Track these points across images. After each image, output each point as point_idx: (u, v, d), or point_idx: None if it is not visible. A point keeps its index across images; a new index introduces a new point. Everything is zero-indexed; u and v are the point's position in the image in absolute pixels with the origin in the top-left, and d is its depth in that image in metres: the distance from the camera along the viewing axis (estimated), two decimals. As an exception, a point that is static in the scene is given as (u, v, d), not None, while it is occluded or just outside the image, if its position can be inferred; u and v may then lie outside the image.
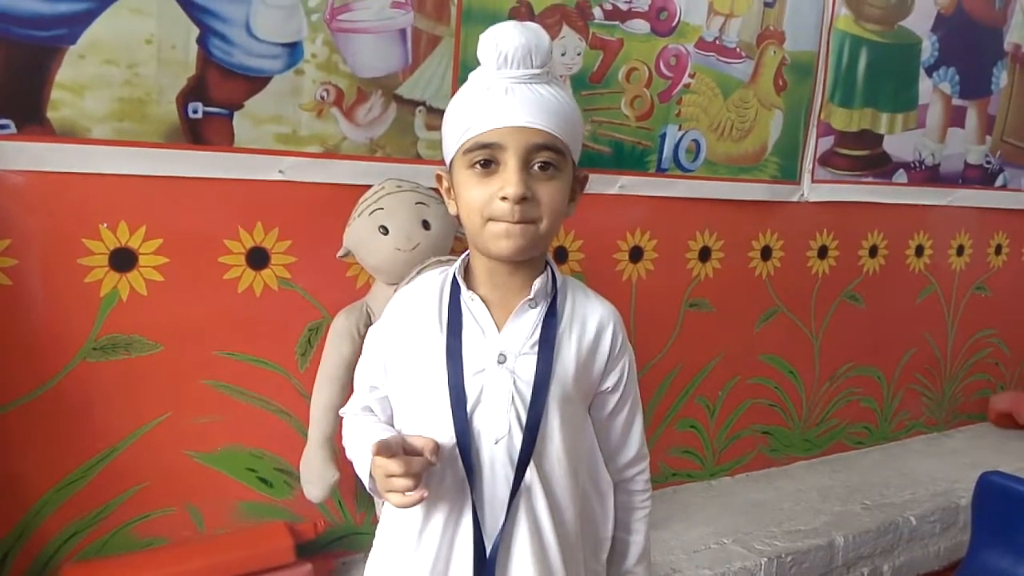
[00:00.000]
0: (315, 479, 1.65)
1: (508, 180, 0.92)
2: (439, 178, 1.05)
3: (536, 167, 0.94)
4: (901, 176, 2.70)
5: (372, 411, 1.11)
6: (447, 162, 1.02)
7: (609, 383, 1.08)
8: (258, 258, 1.69)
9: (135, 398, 1.62)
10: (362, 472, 1.03)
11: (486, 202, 0.93)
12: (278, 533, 1.70)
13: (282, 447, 1.76)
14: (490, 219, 0.94)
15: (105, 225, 1.54)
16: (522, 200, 0.92)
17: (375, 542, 1.11)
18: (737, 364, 2.49)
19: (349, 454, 1.11)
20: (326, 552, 1.81)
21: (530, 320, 1.01)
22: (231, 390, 1.71)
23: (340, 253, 1.66)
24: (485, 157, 0.93)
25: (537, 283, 1.00)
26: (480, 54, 0.95)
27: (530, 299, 1.00)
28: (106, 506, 1.62)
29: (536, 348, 0.99)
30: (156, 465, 1.65)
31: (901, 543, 2.34)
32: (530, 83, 0.94)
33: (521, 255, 0.96)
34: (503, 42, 0.92)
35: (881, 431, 2.93)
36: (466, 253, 1.06)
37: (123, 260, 1.56)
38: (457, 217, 1.02)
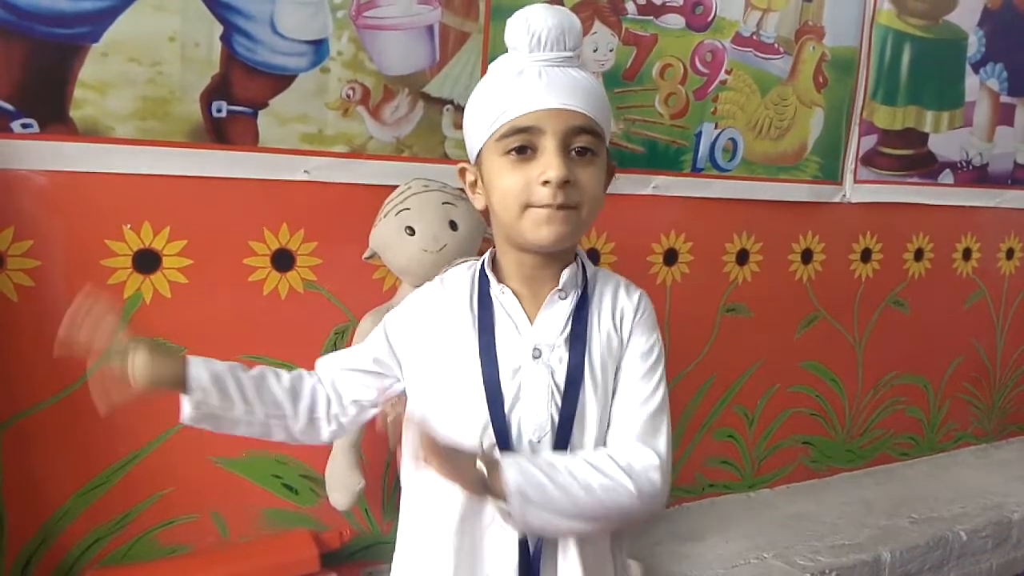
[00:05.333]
0: (340, 486, 1.61)
1: (549, 164, 0.88)
2: (462, 172, 1.00)
3: (574, 152, 0.90)
4: (948, 176, 2.61)
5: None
6: (473, 154, 0.97)
7: (627, 364, 0.98)
8: (283, 260, 1.66)
9: (159, 402, 1.56)
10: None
11: (524, 188, 0.89)
12: (303, 541, 1.66)
13: (307, 453, 1.73)
14: (529, 206, 0.89)
15: (128, 226, 1.52)
16: (564, 184, 0.88)
17: (400, 544, 1.06)
18: (777, 371, 2.41)
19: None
20: (352, 561, 1.77)
21: (561, 312, 0.97)
22: (256, 395, 1.67)
23: (366, 255, 1.62)
24: (522, 143, 0.89)
25: (566, 273, 0.96)
26: (509, 37, 0.92)
27: (559, 290, 0.96)
28: (129, 512, 1.60)
29: (568, 341, 0.95)
30: (180, 471, 1.63)
31: (951, 559, 2.23)
32: (563, 66, 0.91)
33: (562, 243, 0.92)
34: (535, 23, 0.89)
35: (928, 442, 2.82)
36: (492, 249, 1.02)
37: (147, 262, 1.54)
38: (484, 212, 0.98)
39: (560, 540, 0.94)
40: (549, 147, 0.88)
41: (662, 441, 0.95)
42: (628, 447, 0.93)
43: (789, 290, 2.39)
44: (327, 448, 1.63)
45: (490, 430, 0.93)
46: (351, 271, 1.70)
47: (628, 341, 0.99)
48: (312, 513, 1.76)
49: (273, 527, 1.73)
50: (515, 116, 0.89)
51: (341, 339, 1.72)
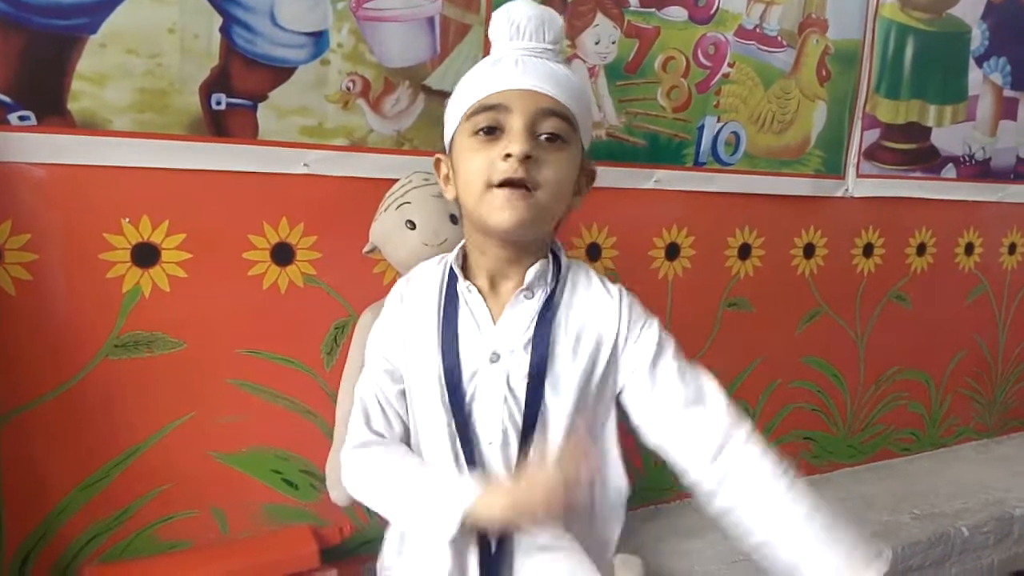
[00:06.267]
0: (341, 482, 1.60)
1: (513, 139, 0.87)
2: (437, 163, 1.00)
3: (543, 136, 0.89)
4: (950, 171, 2.59)
5: (382, 435, 1.02)
6: (447, 144, 0.97)
7: (639, 357, 0.97)
8: (283, 254, 1.65)
9: (158, 397, 1.59)
10: (416, 514, 0.92)
11: (487, 167, 0.88)
12: (303, 537, 1.65)
13: (308, 448, 1.72)
14: (490, 185, 0.88)
15: (127, 219, 1.50)
16: (526, 159, 0.86)
17: (385, 547, 1.06)
18: (778, 367, 2.39)
19: (374, 496, 0.98)
20: (352, 557, 1.76)
21: (526, 312, 0.94)
22: (256, 389, 1.67)
23: (366, 249, 1.61)
24: (489, 122, 0.88)
25: (532, 271, 0.94)
26: (492, 29, 0.93)
27: (524, 289, 0.94)
28: (129, 507, 1.59)
29: (530, 343, 0.93)
30: (179, 466, 1.62)
31: (953, 555, 2.23)
32: (541, 56, 0.90)
33: (521, 228, 0.89)
34: (515, 13, 0.90)
35: (929, 437, 2.81)
36: (462, 244, 1.00)
37: (145, 255, 1.53)
38: (456, 202, 0.97)
39: (517, 544, 0.94)
40: (515, 126, 0.87)
41: (713, 389, 1.00)
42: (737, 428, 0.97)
43: (791, 285, 2.38)
44: (328, 443, 1.62)
45: (453, 431, 0.93)
46: (351, 265, 1.69)
47: (630, 342, 0.97)
48: (312, 509, 1.75)
49: (273, 523, 1.72)
50: (484, 95, 0.89)
51: (341, 333, 1.71)
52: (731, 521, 0.95)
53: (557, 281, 0.97)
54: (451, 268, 0.97)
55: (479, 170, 0.88)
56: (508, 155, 0.86)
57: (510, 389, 0.92)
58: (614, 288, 1.00)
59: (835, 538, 0.89)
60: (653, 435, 0.98)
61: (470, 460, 0.92)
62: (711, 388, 0.99)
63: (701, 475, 0.95)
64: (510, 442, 0.92)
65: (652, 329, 0.99)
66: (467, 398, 0.92)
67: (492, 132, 0.88)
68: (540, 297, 0.95)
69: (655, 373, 0.97)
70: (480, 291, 0.95)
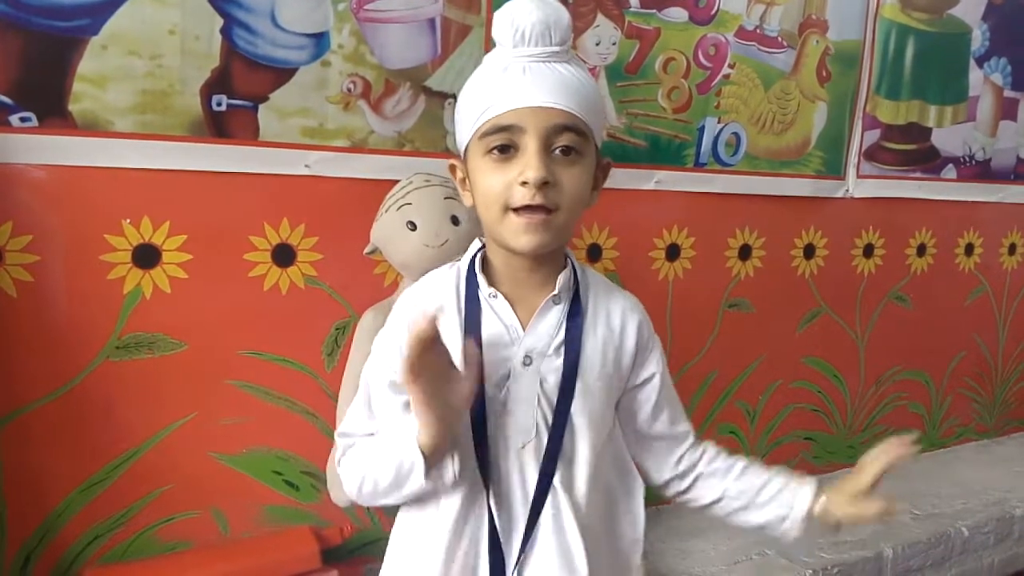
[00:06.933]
0: (341, 483, 1.60)
1: (528, 164, 0.86)
2: (452, 168, 0.99)
3: (558, 151, 0.88)
4: (950, 171, 2.59)
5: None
6: (461, 150, 0.96)
7: (644, 375, 1.03)
8: (284, 255, 1.65)
9: (159, 398, 1.59)
10: (401, 479, 0.92)
11: (505, 190, 0.88)
12: (304, 538, 1.65)
13: (308, 449, 1.72)
14: (510, 209, 0.88)
15: (128, 221, 1.50)
16: (543, 184, 0.86)
17: (389, 555, 1.06)
18: (778, 367, 2.40)
19: (366, 483, 0.97)
20: (352, 558, 1.77)
21: (554, 317, 0.96)
22: (256, 390, 1.67)
23: (367, 250, 1.61)
24: (503, 142, 0.88)
25: (561, 278, 0.95)
26: (495, 32, 0.90)
27: (555, 295, 0.95)
28: (129, 508, 1.59)
29: (562, 347, 0.95)
30: (180, 467, 1.62)
31: (953, 555, 2.23)
32: (549, 61, 0.88)
33: (543, 249, 0.91)
34: (519, 18, 0.87)
35: (929, 438, 2.82)
36: (479, 247, 1.00)
37: (146, 257, 1.53)
38: (473, 208, 0.96)
39: (538, 549, 0.95)
40: (530, 146, 0.86)
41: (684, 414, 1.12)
42: (698, 446, 1.12)
43: (791, 286, 2.38)
44: (328, 444, 1.62)
45: (480, 436, 0.92)
46: (352, 266, 1.69)
47: (643, 356, 1.02)
48: (313, 509, 1.75)
49: (274, 523, 1.72)
50: (496, 114, 0.88)
51: (342, 334, 1.71)
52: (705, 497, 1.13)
53: (576, 285, 0.98)
54: (469, 275, 0.97)
55: (496, 192, 0.88)
56: (524, 182, 0.86)
57: (543, 391, 0.93)
58: (632, 298, 1.04)
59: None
60: (632, 444, 1.08)
61: (495, 465, 0.93)
62: (683, 413, 1.11)
63: (670, 475, 1.10)
64: (543, 444, 0.93)
65: (658, 348, 1.05)
66: (497, 403, 0.93)
67: (506, 150, 0.88)
68: (565, 302, 0.96)
69: (653, 391, 1.05)
70: (506, 297, 0.95)
